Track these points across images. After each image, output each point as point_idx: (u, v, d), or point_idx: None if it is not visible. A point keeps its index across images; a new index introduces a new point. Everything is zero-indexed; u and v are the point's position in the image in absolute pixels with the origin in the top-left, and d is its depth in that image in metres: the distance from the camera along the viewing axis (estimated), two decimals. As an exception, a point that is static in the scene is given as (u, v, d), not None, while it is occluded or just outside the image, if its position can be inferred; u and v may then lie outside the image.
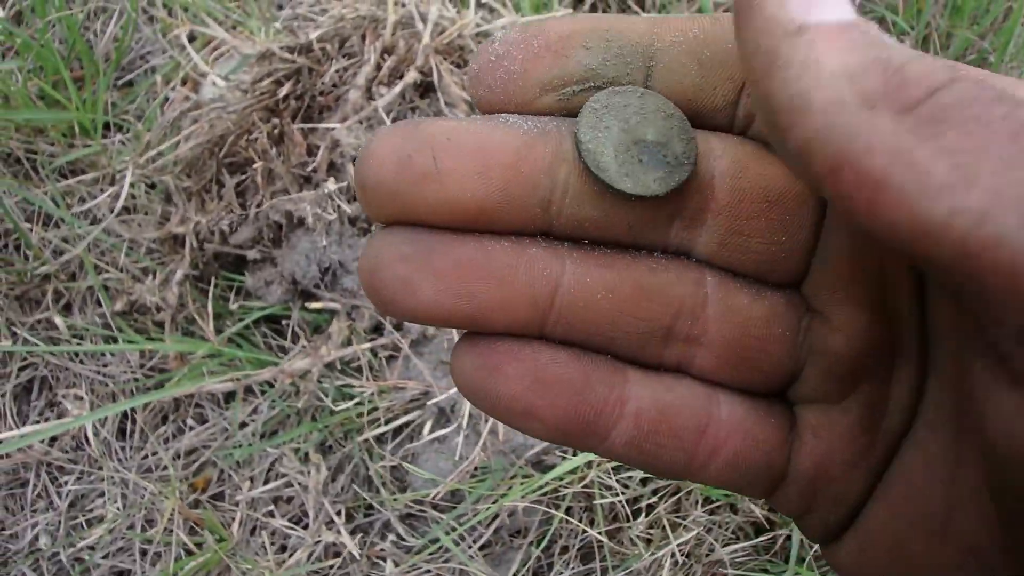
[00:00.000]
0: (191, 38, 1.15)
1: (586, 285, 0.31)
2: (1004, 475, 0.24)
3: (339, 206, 0.93)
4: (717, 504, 1.04)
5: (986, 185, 0.20)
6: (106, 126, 1.17)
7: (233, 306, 1.08)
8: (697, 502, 1.03)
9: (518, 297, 0.30)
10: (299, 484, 1.09)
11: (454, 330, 1.06)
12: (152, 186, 1.12)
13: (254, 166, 0.95)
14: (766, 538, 1.04)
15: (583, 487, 1.03)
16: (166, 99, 1.13)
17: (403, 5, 1.00)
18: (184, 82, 1.13)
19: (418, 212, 0.29)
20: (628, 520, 1.03)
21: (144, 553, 1.09)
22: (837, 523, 0.33)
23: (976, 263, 0.20)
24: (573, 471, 1.03)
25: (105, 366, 1.14)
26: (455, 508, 1.06)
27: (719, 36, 0.31)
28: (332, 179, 0.92)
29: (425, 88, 1.05)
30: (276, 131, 0.98)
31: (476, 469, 1.06)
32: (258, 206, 0.99)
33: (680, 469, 0.32)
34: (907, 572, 0.31)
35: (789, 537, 1.03)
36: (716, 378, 0.33)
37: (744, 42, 0.25)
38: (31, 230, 1.13)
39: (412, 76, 0.94)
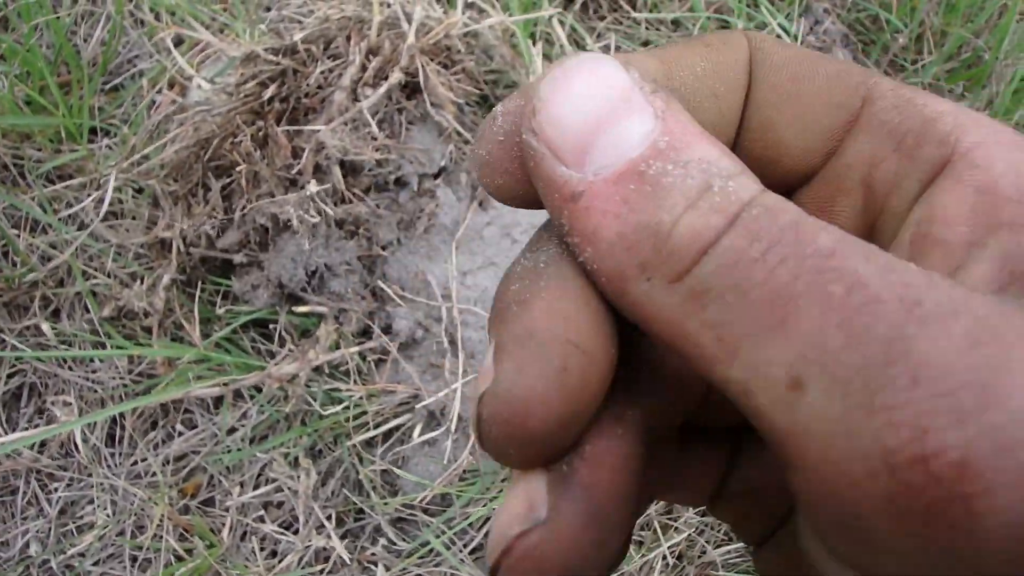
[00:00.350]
0: (178, 41, 1.15)
1: None
2: None
3: (323, 209, 0.92)
4: (710, 506, 1.03)
5: (745, 362, 0.21)
6: (93, 131, 1.17)
7: (220, 310, 1.07)
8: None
9: None
10: (289, 489, 1.09)
11: (445, 337, 1.05)
12: (139, 190, 1.11)
13: (237, 169, 0.94)
14: (760, 540, 1.02)
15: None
16: (153, 103, 1.12)
17: (388, 5, 0.99)
18: (171, 85, 1.13)
19: (583, 417, 0.26)
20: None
21: (134, 559, 1.09)
22: (765, 531, 0.33)
23: (754, 422, 0.22)
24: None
25: (94, 372, 1.13)
26: (445, 512, 1.05)
27: (723, 66, 0.30)
28: (314, 181, 0.91)
29: (412, 89, 1.04)
30: (261, 134, 0.98)
31: (466, 472, 1.05)
32: (243, 210, 0.99)
33: None
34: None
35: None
36: None
37: (541, 197, 0.25)
38: (18, 236, 1.12)
39: (397, 77, 0.94)
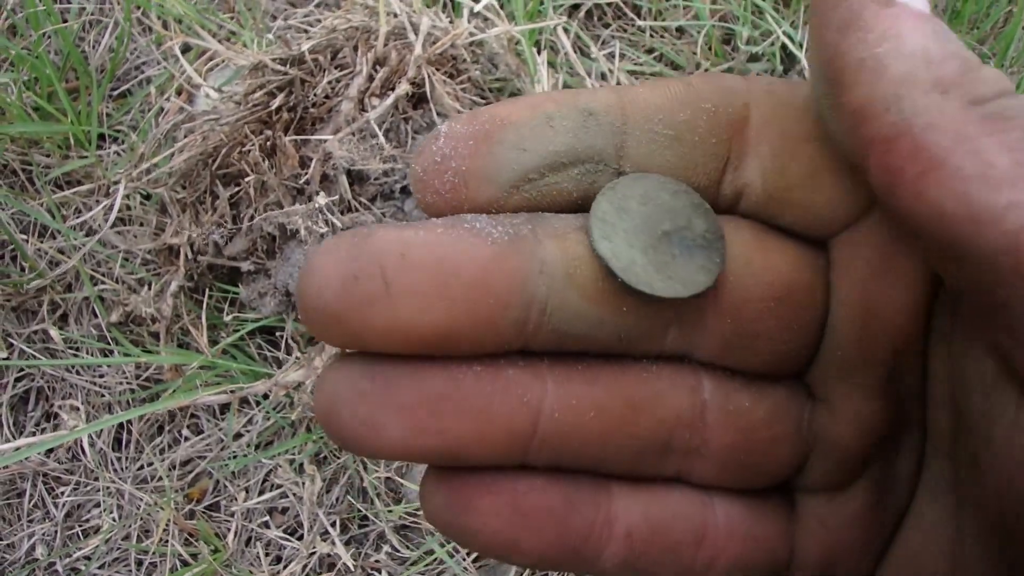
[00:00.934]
0: (186, 48, 1.15)
1: (571, 407, 0.27)
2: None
3: (330, 220, 0.93)
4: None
5: None
6: (102, 137, 1.17)
7: (227, 318, 1.08)
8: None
9: (495, 429, 0.26)
10: (294, 495, 1.09)
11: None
12: (147, 197, 1.12)
13: (246, 179, 0.95)
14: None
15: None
16: (161, 110, 1.13)
17: (395, 16, 1.00)
18: (179, 93, 1.13)
19: (368, 340, 0.25)
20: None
21: (140, 564, 1.10)
22: None
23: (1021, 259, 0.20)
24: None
25: (101, 376, 1.14)
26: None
27: (695, 103, 0.28)
28: (323, 193, 0.92)
29: (418, 99, 1.05)
30: (268, 143, 0.98)
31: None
32: (251, 219, 0.99)
33: None
34: None
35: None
36: (716, 483, 0.30)
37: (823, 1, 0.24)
38: (27, 241, 1.13)
39: (404, 88, 0.94)
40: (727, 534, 0.30)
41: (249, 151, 0.98)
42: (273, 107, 0.99)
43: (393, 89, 0.98)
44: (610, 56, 1.22)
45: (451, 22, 1.07)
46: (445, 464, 0.27)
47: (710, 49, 1.24)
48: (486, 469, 0.27)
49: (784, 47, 1.23)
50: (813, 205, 0.28)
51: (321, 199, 0.88)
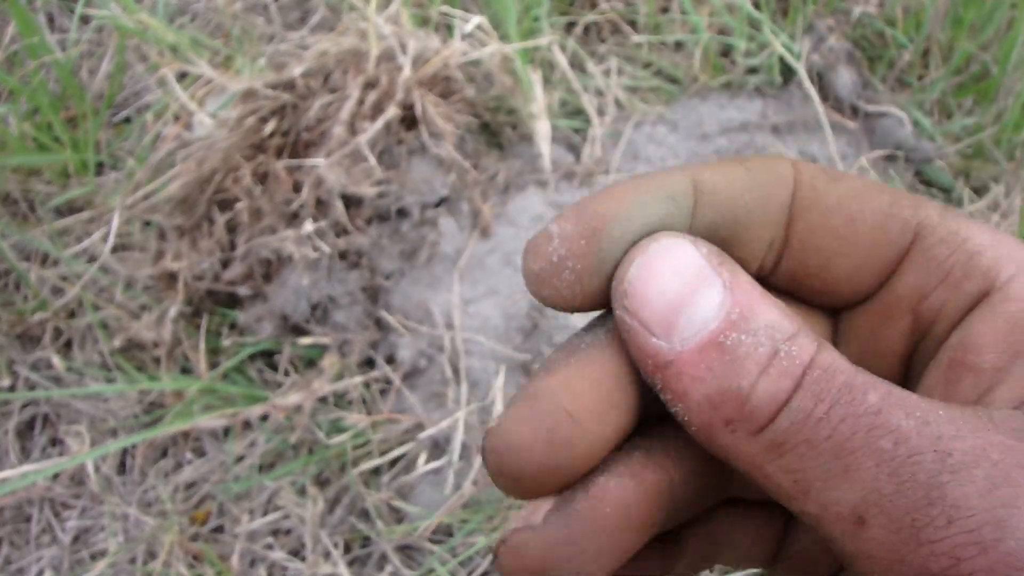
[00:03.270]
0: (183, 75, 1.16)
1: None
2: None
3: (321, 245, 0.93)
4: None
5: (817, 502, 0.27)
6: (102, 164, 1.18)
7: (226, 342, 1.08)
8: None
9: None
10: (297, 516, 1.10)
11: (448, 366, 1.06)
12: (148, 223, 1.13)
13: (237, 206, 0.95)
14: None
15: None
16: (158, 136, 1.14)
17: (385, 38, 1.00)
18: (177, 118, 1.14)
19: (567, 475, 0.30)
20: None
21: (146, 587, 1.10)
22: None
23: (827, 544, 0.28)
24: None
25: (105, 402, 1.15)
26: (449, 540, 1.05)
27: (752, 188, 0.33)
28: (310, 220, 0.92)
29: (411, 120, 1.05)
30: (261, 169, 0.99)
31: (472, 501, 1.05)
32: (246, 244, 1.00)
33: None
34: None
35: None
36: None
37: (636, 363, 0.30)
38: (29, 270, 1.14)
39: (392, 111, 0.94)
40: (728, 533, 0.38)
41: (242, 177, 0.98)
42: (266, 132, 1.00)
43: (384, 112, 0.99)
44: (607, 72, 1.22)
45: (444, 42, 1.07)
46: None
47: (708, 62, 1.23)
48: None
49: (782, 59, 1.23)
50: (824, 285, 0.34)
51: (309, 225, 0.88)
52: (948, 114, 1.29)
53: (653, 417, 0.33)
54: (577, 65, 1.22)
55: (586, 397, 0.30)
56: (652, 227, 0.31)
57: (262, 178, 1.00)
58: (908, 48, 1.27)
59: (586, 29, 1.26)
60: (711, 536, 0.37)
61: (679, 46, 1.26)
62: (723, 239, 0.33)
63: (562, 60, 1.15)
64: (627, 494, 0.31)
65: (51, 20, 1.28)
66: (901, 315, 0.34)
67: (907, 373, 0.35)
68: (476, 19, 1.05)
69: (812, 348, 0.28)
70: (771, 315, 0.29)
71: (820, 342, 0.28)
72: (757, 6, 1.25)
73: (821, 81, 1.25)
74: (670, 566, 0.36)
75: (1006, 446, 0.26)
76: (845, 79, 1.24)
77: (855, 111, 1.25)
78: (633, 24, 1.27)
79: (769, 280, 0.34)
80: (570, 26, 1.25)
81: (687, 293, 0.29)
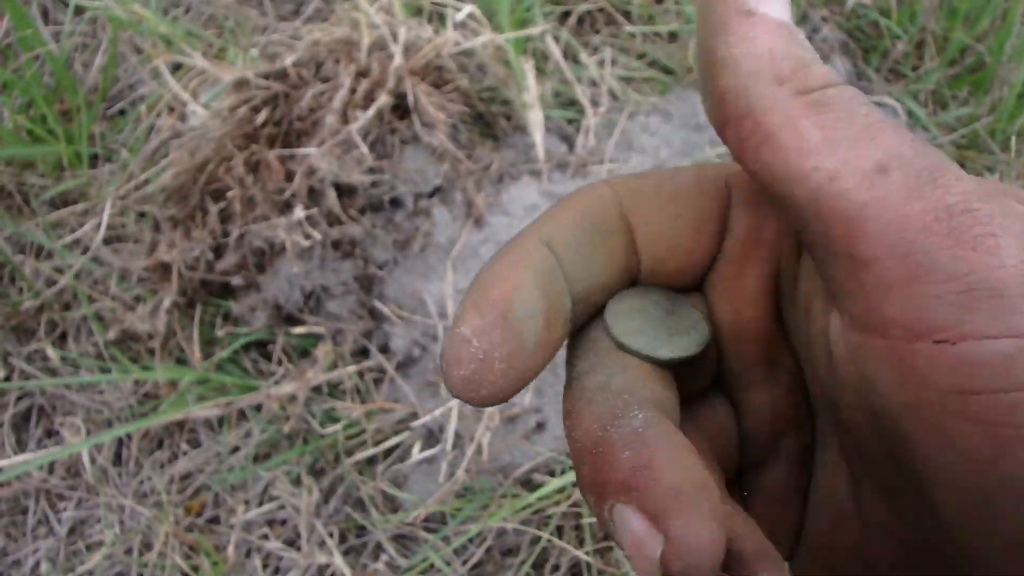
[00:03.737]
0: (178, 66, 1.16)
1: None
2: (862, 427, 0.30)
3: (312, 232, 0.93)
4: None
5: (841, 155, 0.28)
6: (96, 156, 1.19)
7: (220, 332, 1.09)
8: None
9: None
10: (292, 506, 1.10)
11: (440, 355, 1.06)
12: (142, 214, 1.13)
13: (228, 195, 0.96)
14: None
15: (571, 506, 1.03)
16: (152, 128, 1.14)
17: (376, 27, 1.00)
18: (171, 110, 1.14)
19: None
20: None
21: (142, 577, 1.11)
22: (790, 547, 0.37)
23: (823, 207, 0.28)
24: (560, 490, 1.03)
25: (100, 393, 1.15)
26: (443, 528, 1.06)
27: (588, 233, 0.34)
28: (301, 206, 0.92)
29: (404, 110, 1.05)
30: (253, 158, 0.99)
31: (465, 490, 1.05)
32: (240, 234, 1.00)
33: None
34: None
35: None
36: None
37: (704, 9, 0.30)
38: (23, 263, 1.14)
39: (384, 100, 0.94)
40: None
41: (234, 167, 0.98)
42: (258, 122, 1.00)
43: (376, 100, 0.99)
44: (601, 62, 1.22)
45: (436, 32, 1.07)
46: None
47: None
48: None
49: (775, 47, 1.23)
50: (678, 262, 0.36)
51: (300, 211, 0.89)
52: (943, 105, 1.29)
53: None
54: (571, 55, 1.22)
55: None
56: (541, 292, 0.32)
57: (254, 167, 1.00)
58: (902, 39, 1.27)
59: (580, 19, 1.26)
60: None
61: (673, 36, 1.26)
62: (581, 274, 0.34)
63: (555, 50, 1.15)
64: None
65: (45, 13, 1.29)
66: (751, 262, 0.35)
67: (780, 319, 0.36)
68: (468, 8, 1.05)
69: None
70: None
71: None
72: (750, -4, 1.25)
73: (815, 71, 1.25)
74: None
75: (993, 181, 0.28)
76: (839, 69, 1.24)
77: (849, 101, 1.25)
78: (627, 14, 1.27)
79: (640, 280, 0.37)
80: (564, 16, 1.25)
81: None
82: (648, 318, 0.35)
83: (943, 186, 0.27)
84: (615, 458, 0.30)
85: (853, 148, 0.28)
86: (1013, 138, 1.24)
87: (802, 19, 1.26)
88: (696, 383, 0.37)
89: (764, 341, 0.36)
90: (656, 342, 0.34)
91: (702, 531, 0.27)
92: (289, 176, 0.99)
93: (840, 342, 0.30)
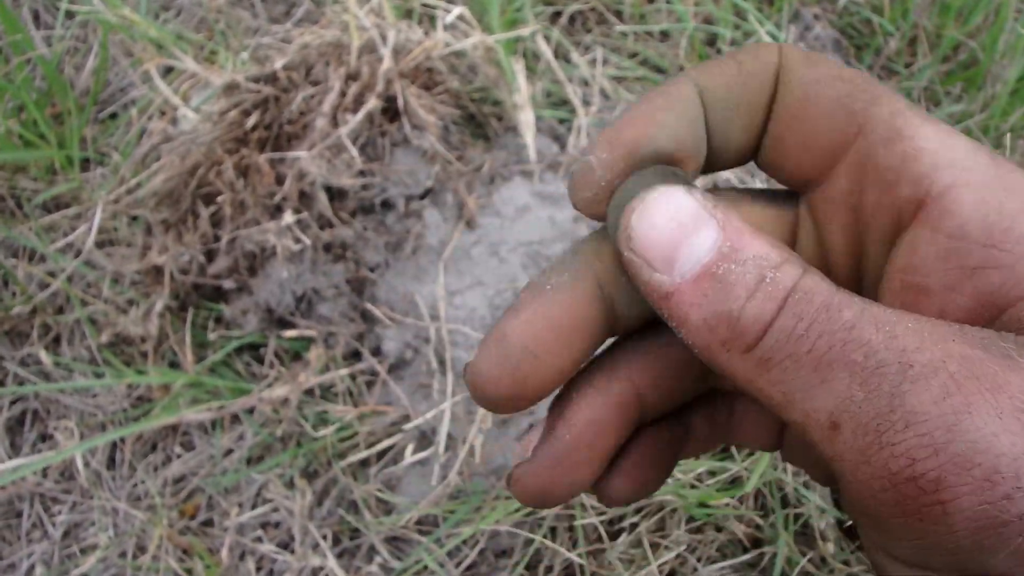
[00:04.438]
0: (169, 69, 1.16)
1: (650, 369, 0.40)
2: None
3: (301, 235, 0.93)
4: (701, 523, 1.03)
5: (800, 411, 0.30)
6: (88, 160, 1.18)
7: (212, 335, 1.09)
8: (680, 521, 1.02)
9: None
10: (285, 509, 1.10)
11: (434, 357, 1.06)
12: (134, 218, 1.13)
13: (219, 199, 0.96)
14: (751, 556, 1.02)
15: (564, 508, 1.03)
16: (143, 131, 1.14)
17: (366, 30, 1.00)
18: (163, 114, 1.14)
19: (531, 399, 0.36)
20: (610, 540, 1.02)
21: (136, 581, 1.11)
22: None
23: (815, 448, 0.31)
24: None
25: (94, 397, 1.15)
26: (437, 531, 1.06)
27: (751, 81, 0.37)
28: (290, 211, 0.92)
29: (395, 111, 1.05)
30: (243, 162, 0.99)
31: (459, 492, 1.05)
32: (230, 240, 1.00)
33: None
34: None
35: (775, 555, 1.01)
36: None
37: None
38: (16, 267, 1.14)
39: (372, 104, 0.94)
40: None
41: (224, 171, 0.98)
42: (248, 125, 1.00)
43: (365, 103, 0.99)
44: (592, 62, 1.22)
45: (426, 33, 1.07)
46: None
47: (694, 52, 1.23)
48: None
49: (767, 46, 1.22)
50: (787, 168, 0.38)
51: (289, 216, 0.88)
52: (936, 102, 1.28)
53: (622, 334, 0.39)
54: (562, 55, 1.22)
55: (545, 335, 0.35)
56: (673, 138, 0.35)
57: (245, 172, 1.00)
58: (895, 35, 1.27)
59: (571, 19, 1.26)
60: (711, 420, 0.43)
61: (665, 35, 1.26)
62: (721, 129, 0.37)
63: (546, 50, 1.15)
64: (595, 409, 0.38)
65: (36, 17, 1.28)
66: (841, 211, 0.36)
67: (859, 272, 0.38)
68: (457, 10, 1.05)
69: (796, 274, 0.31)
70: (759, 247, 0.32)
71: (805, 268, 0.32)
72: (742, -6, 1.25)
73: (807, 69, 1.24)
74: (681, 447, 0.43)
75: (964, 356, 0.28)
76: (831, 67, 1.24)
77: (842, 99, 1.25)
78: (619, 14, 1.26)
79: (756, 161, 0.39)
80: (555, 16, 1.25)
81: (684, 234, 0.32)
82: None
83: (888, 445, 0.28)
84: (518, 294, 0.38)
85: (807, 400, 0.30)
86: (1008, 135, 1.24)
87: (794, 17, 1.26)
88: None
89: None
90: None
91: (489, 367, 0.35)
92: (279, 179, 0.99)
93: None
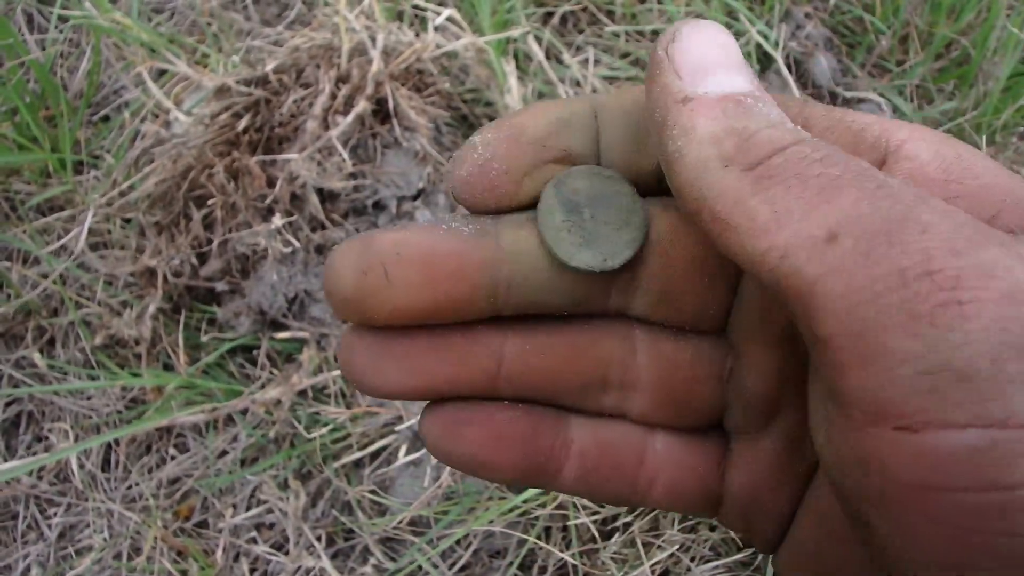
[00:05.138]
0: (162, 71, 1.16)
1: (525, 350, 0.36)
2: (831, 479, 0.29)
3: (291, 238, 0.93)
4: (694, 522, 1.03)
5: (791, 229, 0.26)
6: (82, 162, 1.19)
7: (205, 338, 1.09)
8: (674, 521, 1.03)
9: (469, 368, 0.35)
10: (280, 510, 1.10)
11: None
12: (128, 220, 1.13)
13: (209, 202, 0.96)
14: (744, 555, 1.02)
15: (557, 508, 1.03)
16: (137, 133, 1.14)
17: (356, 32, 1.00)
18: (156, 116, 1.15)
19: (376, 319, 0.33)
20: (603, 540, 1.03)
21: (131, 582, 1.11)
22: (774, 536, 0.37)
23: (781, 286, 0.27)
24: (546, 492, 1.03)
25: (88, 399, 1.15)
26: (430, 531, 1.06)
27: (637, 107, 0.35)
28: (279, 215, 0.93)
29: (385, 114, 1.05)
30: (234, 165, 0.99)
31: (452, 493, 1.06)
32: (223, 240, 1.00)
33: (625, 498, 0.38)
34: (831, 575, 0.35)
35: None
36: (653, 419, 0.38)
37: (648, 102, 0.32)
38: (9, 269, 1.15)
39: (362, 106, 0.95)
40: (665, 459, 0.38)
41: (215, 174, 0.99)
42: (240, 128, 1.00)
43: (355, 106, 0.99)
44: (584, 62, 1.22)
45: (417, 35, 1.07)
46: (436, 398, 0.36)
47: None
48: (470, 401, 0.36)
49: (759, 47, 1.23)
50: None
51: (278, 219, 0.89)
52: (928, 99, 1.28)
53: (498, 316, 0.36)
54: (554, 55, 1.22)
55: (407, 263, 0.32)
56: (566, 139, 0.35)
57: (236, 174, 1.01)
58: (886, 34, 1.27)
59: (563, 19, 1.26)
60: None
61: (656, 35, 1.26)
62: (628, 154, 0.36)
63: (538, 51, 1.15)
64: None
65: (30, 19, 1.29)
66: None
67: None
68: (447, 12, 1.05)
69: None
70: (783, 113, 0.31)
71: None
72: (734, -6, 1.25)
73: (799, 68, 1.25)
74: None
75: (975, 223, 0.26)
76: (823, 66, 1.24)
77: (834, 97, 1.25)
78: (610, 14, 1.27)
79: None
80: (547, 16, 1.25)
81: (725, 64, 0.31)
82: (580, 208, 0.35)
83: (900, 244, 0.25)
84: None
85: (804, 218, 0.26)
86: (999, 132, 1.24)
87: (785, 16, 1.26)
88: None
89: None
90: (571, 243, 0.34)
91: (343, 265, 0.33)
92: (271, 182, 1.00)
93: (817, 410, 0.29)
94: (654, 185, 0.36)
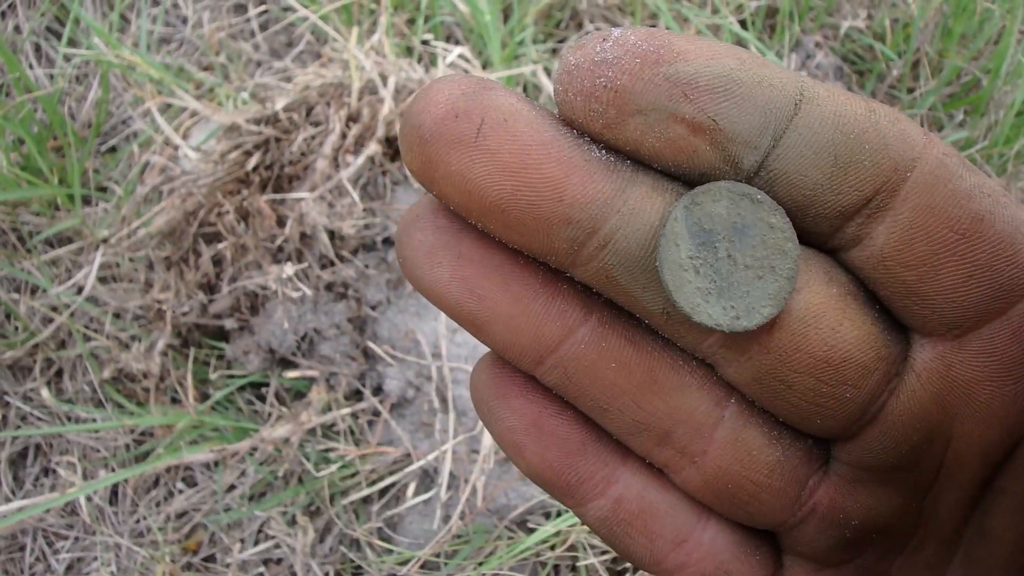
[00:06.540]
0: (170, 104, 1.16)
1: (599, 347, 0.28)
2: None
3: (303, 287, 0.93)
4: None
5: None
6: (90, 196, 1.18)
7: (214, 375, 1.09)
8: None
9: (527, 324, 0.28)
10: (287, 546, 1.10)
11: (436, 396, 1.06)
12: (137, 253, 1.13)
13: (219, 245, 0.95)
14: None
15: (567, 550, 1.03)
16: (146, 165, 1.14)
17: (366, 70, 0.99)
18: (166, 144, 1.14)
19: (437, 177, 0.26)
20: (613, 579, 1.02)
21: (139, 617, 1.11)
22: None
23: None
24: (556, 534, 1.03)
25: (96, 433, 1.15)
26: (440, 570, 1.06)
27: (866, 131, 0.26)
28: (289, 263, 0.92)
29: (396, 151, 1.05)
30: (244, 204, 0.99)
31: (462, 532, 1.05)
32: (231, 279, 1.00)
33: (644, 564, 0.32)
34: None
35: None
36: (696, 497, 0.31)
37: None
38: (17, 301, 1.14)
39: (372, 148, 0.94)
40: (705, 553, 0.31)
41: (225, 214, 0.98)
42: (249, 167, 0.99)
43: (365, 148, 0.98)
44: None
45: (427, 72, 1.06)
46: (468, 328, 0.28)
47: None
48: (528, 377, 0.30)
49: (770, 77, 1.22)
50: (917, 293, 0.27)
51: (289, 268, 0.88)
52: (939, 127, 1.28)
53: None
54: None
55: (507, 137, 0.25)
56: (730, 88, 0.25)
57: (246, 215, 1.00)
58: (897, 62, 1.26)
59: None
60: None
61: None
62: (807, 176, 0.27)
63: (547, 84, 1.14)
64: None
65: (38, 49, 1.28)
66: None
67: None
68: (458, 49, 1.05)
69: None
70: None
71: None
72: (744, 25, 1.24)
73: (810, 99, 1.24)
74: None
75: None
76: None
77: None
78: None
79: (848, 255, 0.28)
80: (556, 50, 1.24)
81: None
82: (719, 245, 0.27)
83: None
84: None
85: None
86: (1009, 162, 1.23)
87: (796, 46, 1.25)
88: None
89: (961, 465, 0.29)
90: (695, 290, 0.27)
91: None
92: (281, 222, 0.99)
93: None
94: (825, 230, 0.27)
